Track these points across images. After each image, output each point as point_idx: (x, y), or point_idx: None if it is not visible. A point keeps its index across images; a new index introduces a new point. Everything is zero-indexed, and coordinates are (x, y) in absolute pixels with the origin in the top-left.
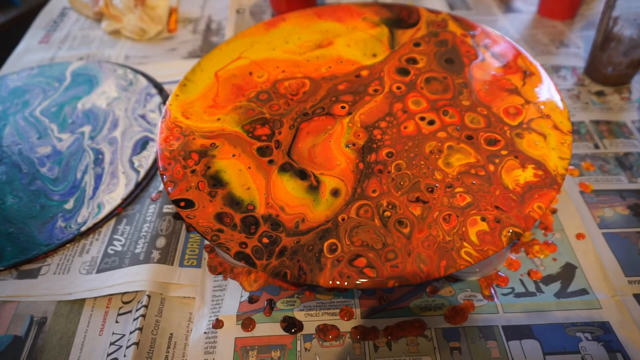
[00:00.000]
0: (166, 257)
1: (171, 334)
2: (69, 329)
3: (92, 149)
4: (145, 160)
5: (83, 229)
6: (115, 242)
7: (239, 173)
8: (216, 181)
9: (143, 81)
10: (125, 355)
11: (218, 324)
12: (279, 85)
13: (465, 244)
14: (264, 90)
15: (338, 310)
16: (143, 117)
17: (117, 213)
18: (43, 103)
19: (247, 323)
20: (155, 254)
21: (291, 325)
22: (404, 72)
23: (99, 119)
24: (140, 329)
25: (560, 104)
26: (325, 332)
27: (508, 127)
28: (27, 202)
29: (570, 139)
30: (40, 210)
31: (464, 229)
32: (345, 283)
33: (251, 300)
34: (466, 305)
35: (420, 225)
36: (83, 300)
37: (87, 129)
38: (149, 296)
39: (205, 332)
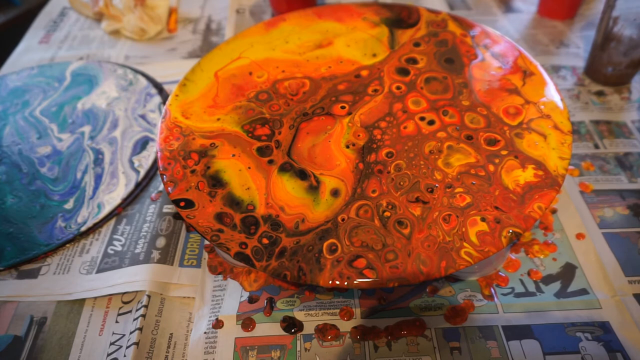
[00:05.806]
0: (166, 257)
1: (171, 334)
2: (69, 329)
3: (92, 149)
4: (145, 160)
5: (83, 229)
6: (115, 242)
7: (239, 173)
8: (216, 181)
9: (143, 81)
10: (125, 355)
11: (218, 324)
12: (278, 85)
13: (465, 244)
14: (264, 90)
15: (338, 310)
16: (143, 117)
17: (117, 213)
18: (43, 103)
19: (247, 323)
20: (155, 254)
21: (291, 325)
22: (403, 72)
23: (99, 119)
24: (140, 329)
25: (560, 104)
26: (325, 332)
27: (508, 127)
28: (27, 202)
29: (570, 139)
30: (40, 210)
31: (463, 229)
32: (345, 283)
33: (251, 300)
34: (466, 305)
35: (420, 226)
36: (83, 300)
37: (87, 129)
38: (149, 296)
39: (205, 332)
